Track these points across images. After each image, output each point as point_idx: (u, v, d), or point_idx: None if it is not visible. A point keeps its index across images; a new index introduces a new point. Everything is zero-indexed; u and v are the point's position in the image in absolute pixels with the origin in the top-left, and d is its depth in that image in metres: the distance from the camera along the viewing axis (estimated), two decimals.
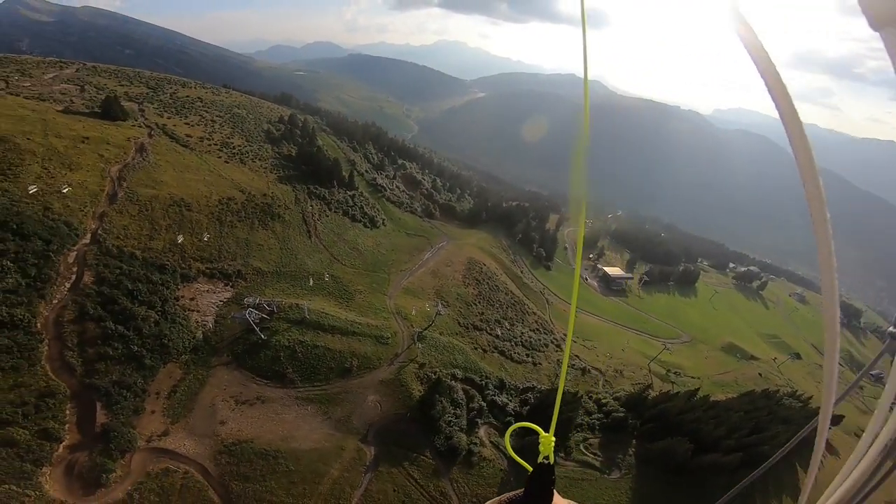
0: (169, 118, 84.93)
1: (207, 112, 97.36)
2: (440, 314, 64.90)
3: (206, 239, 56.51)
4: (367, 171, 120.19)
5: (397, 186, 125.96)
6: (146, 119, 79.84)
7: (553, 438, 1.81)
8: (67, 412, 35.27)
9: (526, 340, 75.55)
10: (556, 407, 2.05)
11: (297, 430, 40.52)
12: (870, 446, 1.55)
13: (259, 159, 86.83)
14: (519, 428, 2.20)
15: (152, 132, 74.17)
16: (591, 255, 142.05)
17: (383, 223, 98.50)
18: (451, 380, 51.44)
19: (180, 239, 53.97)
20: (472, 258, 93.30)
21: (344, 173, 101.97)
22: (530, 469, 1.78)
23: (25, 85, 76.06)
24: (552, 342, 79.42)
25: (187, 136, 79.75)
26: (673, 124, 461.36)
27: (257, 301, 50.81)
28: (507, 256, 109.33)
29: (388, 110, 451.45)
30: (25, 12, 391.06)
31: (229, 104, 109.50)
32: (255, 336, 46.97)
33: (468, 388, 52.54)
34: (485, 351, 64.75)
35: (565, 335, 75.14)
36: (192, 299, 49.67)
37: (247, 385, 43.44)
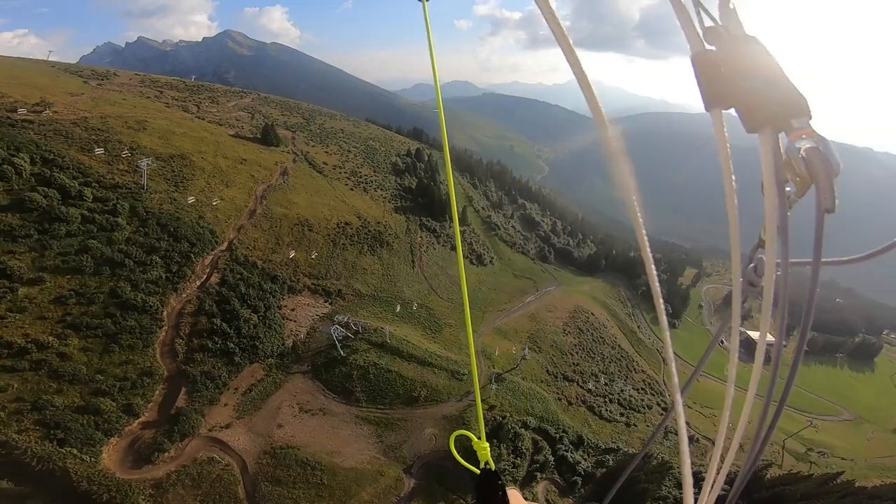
0: (313, 146, 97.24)
1: (346, 142, 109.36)
2: (525, 358, 63.27)
3: (314, 256, 62.31)
4: (483, 209, 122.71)
5: (513, 226, 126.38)
6: (295, 146, 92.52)
7: (486, 445, 2.01)
8: (157, 392, 40.69)
9: (625, 399, 70.29)
10: (479, 414, 2.26)
11: (345, 447, 41.66)
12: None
13: (381, 189, 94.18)
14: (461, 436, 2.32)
15: (296, 158, 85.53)
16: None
17: (491, 261, 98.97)
18: (519, 427, 49.35)
19: (292, 254, 60.42)
20: (579, 306, 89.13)
21: (458, 208, 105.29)
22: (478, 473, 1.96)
23: (212, 111, 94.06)
24: (658, 404, 73.11)
25: (323, 163, 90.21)
26: (864, 169, 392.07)
27: (346, 320, 54.08)
28: (622, 308, 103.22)
29: (519, 150, 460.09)
30: (232, 45, 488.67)
31: (366, 136, 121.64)
32: (336, 352, 50.06)
33: (539, 438, 50.13)
34: (570, 403, 61.40)
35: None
36: (292, 310, 54.83)
37: (315, 395, 46.14)
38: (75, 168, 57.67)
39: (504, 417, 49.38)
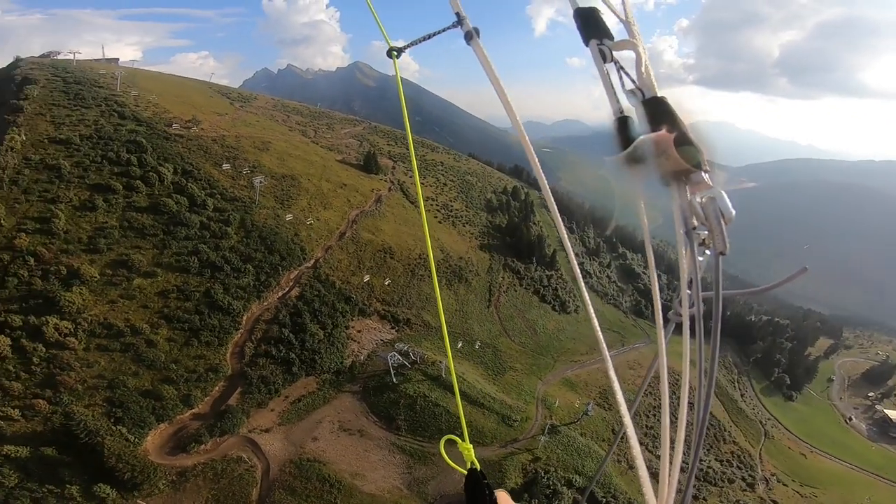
0: (410, 177, 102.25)
1: (443, 175, 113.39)
2: (588, 414, 59.46)
3: (387, 283, 64.73)
4: (576, 255, 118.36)
5: (608, 276, 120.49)
6: (393, 175, 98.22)
7: (470, 446, 2.05)
8: (216, 388, 44.68)
9: (700, 470, 61.57)
10: (461, 416, 2.39)
11: (371, 471, 42.08)
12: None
13: (469, 224, 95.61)
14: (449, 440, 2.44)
15: (392, 187, 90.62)
16: (870, 394, 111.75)
17: (575, 310, 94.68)
18: (562, 484, 46.40)
19: (367, 278, 63.62)
20: (668, 367, 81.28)
21: (547, 251, 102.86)
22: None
23: (326, 136, 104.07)
24: (744, 478, 66.19)
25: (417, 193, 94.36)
26: None
27: (406, 348, 55.22)
28: (726, 375, 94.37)
29: (629, 196, 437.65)
30: (360, 76, 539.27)
31: (465, 171, 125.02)
32: (389, 378, 51.24)
33: (580, 499, 45.89)
34: (630, 467, 55.20)
35: (772, 474, 70.52)
36: (358, 331, 57.54)
37: (358, 416, 47.54)
38: (206, 180, 67.17)
39: (546, 472, 47.02)
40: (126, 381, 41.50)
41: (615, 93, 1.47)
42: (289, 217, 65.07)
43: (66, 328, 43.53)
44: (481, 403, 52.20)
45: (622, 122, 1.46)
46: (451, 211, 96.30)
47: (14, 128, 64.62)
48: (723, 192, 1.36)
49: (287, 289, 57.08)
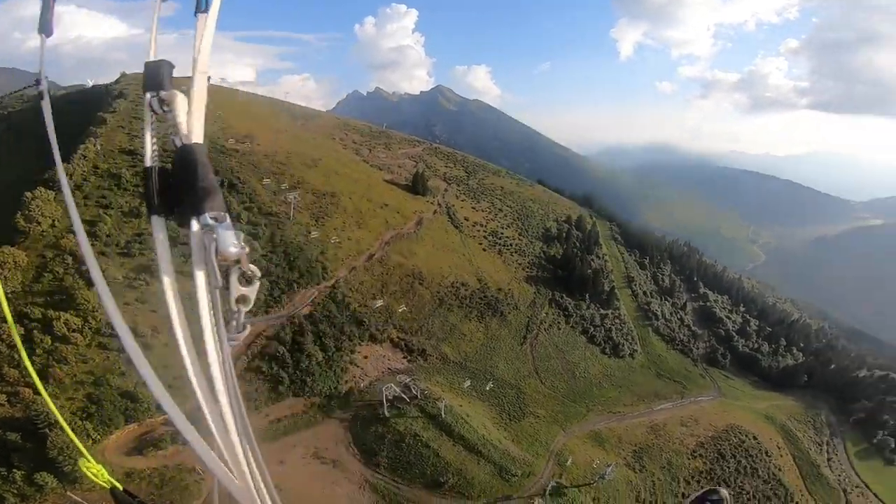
0: (462, 200, 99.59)
1: (500, 200, 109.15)
2: (605, 478, 50.89)
3: (400, 310, 61.48)
4: (644, 293, 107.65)
5: (680, 318, 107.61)
6: (443, 198, 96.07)
7: (99, 466, 1.94)
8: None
9: None
10: (67, 429, 2.33)
11: None
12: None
13: (519, 254, 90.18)
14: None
15: (437, 210, 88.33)
16: None
17: (631, 354, 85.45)
18: None
19: (379, 303, 60.83)
20: (735, 426, 71.37)
21: (604, 287, 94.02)
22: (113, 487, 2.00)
23: (381, 156, 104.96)
24: None
25: (465, 218, 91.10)
26: None
27: (407, 381, 51.89)
28: (811, 436, 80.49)
29: (728, 232, 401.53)
30: (442, 100, 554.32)
31: (526, 197, 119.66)
32: (381, 410, 48.05)
33: None
34: None
35: None
36: (365, 357, 55.20)
37: (338, 446, 44.95)
38: (247, 194, 69.43)
39: None
40: (111, 381, 42.45)
41: (152, 143, 1.59)
42: (314, 234, 64.82)
43: (76, 324, 45.60)
44: (478, 451, 47.28)
45: (149, 172, 1.56)
46: (500, 238, 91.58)
47: (92, 138, 71.67)
48: (225, 232, 1.40)
49: (299, 307, 56.14)
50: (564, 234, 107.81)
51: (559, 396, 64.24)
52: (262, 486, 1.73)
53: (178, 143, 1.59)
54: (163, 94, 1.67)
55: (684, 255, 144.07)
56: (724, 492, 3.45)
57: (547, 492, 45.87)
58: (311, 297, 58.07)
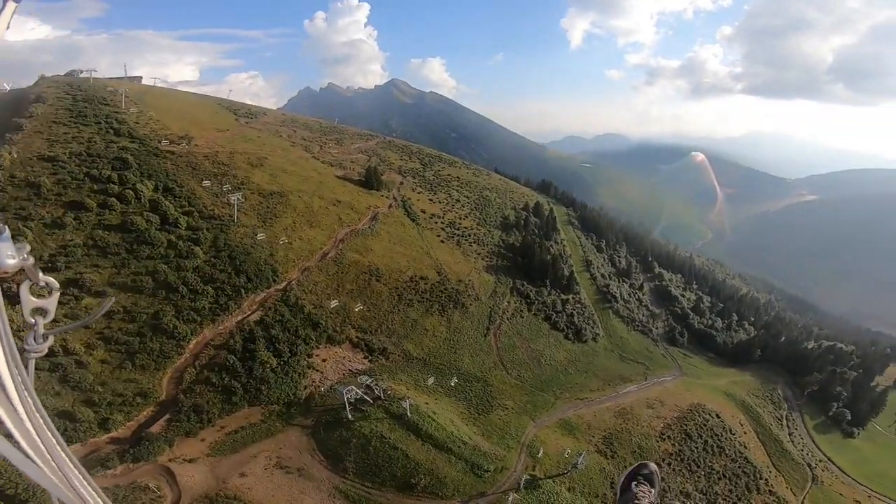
0: (419, 193, 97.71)
1: (458, 191, 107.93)
2: (578, 467, 50.68)
3: (357, 309, 59.49)
4: (602, 276, 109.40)
5: (638, 299, 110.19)
6: (399, 191, 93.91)
7: None
8: (143, 413, 42.22)
9: None
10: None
11: None
12: None
13: (478, 243, 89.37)
14: None
15: (393, 204, 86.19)
16: None
17: (594, 338, 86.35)
18: None
19: (334, 304, 58.61)
20: (699, 404, 72.81)
21: (564, 273, 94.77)
22: None
23: (332, 152, 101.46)
24: None
25: (421, 210, 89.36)
26: None
27: (369, 381, 50.16)
28: (770, 411, 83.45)
29: (675, 211, 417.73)
30: (397, 94, 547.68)
31: (483, 186, 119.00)
32: (344, 414, 46.29)
33: None
34: None
35: None
36: (323, 360, 52.83)
37: (301, 454, 42.93)
38: (186, 198, 65.03)
39: None
40: (43, 401, 38.36)
41: None
42: (261, 236, 61.55)
43: None
44: (448, 448, 45.77)
45: None
46: (459, 229, 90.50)
47: (7, 146, 65.21)
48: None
49: (248, 312, 53.13)
50: (523, 222, 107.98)
51: (526, 386, 63.79)
52: (70, 474, 1.70)
53: None
54: None
55: (638, 236, 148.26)
56: (653, 465, 3.66)
57: (521, 485, 45.03)
58: (262, 302, 55.05)
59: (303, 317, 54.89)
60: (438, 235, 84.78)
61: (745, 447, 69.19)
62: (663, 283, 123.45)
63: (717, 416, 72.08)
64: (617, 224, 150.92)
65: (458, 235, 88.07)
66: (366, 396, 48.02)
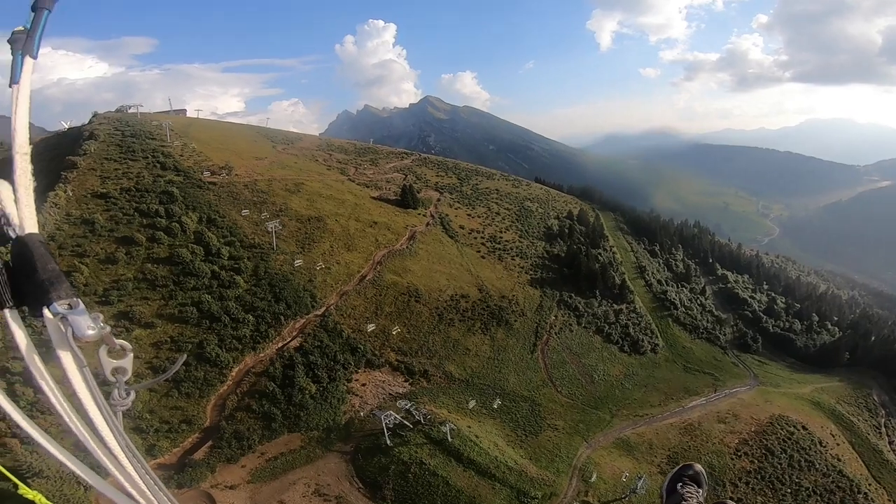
0: (457, 209, 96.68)
1: (497, 204, 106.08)
2: (637, 492, 46.85)
3: (395, 332, 58.66)
4: (658, 282, 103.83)
5: (701, 304, 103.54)
6: (436, 208, 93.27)
7: (27, 490, 1.85)
8: (188, 440, 43.10)
9: None
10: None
11: None
12: None
13: (521, 257, 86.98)
14: None
15: (430, 222, 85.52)
16: None
17: (653, 349, 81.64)
18: None
19: (371, 327, 57.92)
20: (780, 416, 66.30)
21: (616, 281, 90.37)
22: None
23: (367, 173, 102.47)
24: None
25: (460, 227, 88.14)
26: None
27: (409, 405, 49.35)
28: (866, 419, 75.01)
29: (737, 208, 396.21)
30: (431, 110, 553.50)
31: (524, 197, 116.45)
32: (383, 439, 45.56)
33: None
34: None
35: None
36: (363, 385, 52.49)
37: (340, 480, 42.64)
38: (228, 228, 67.02)
39: None
40: None
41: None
42: (298, 262, 62.20)
43: None
44: (492, 474, 43.89)
45: None
46: (499, 243, 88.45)
47: (62, 184, 69.65)
48: (78, 318, 1.50)
49: (288, 339, 53.64)
50: (567, 231, 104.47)
51: (578, 404, 60.65)
52: None
53: (13, 235, 1.57)
54: None
55: (695, 237, 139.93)
56: (699, 466, 3.62)
57: None
58: (302, 328, 55.39)
59: (342, 341, 54.76)
60: (479, 251, 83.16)
61: (839, 460, 62.48)
62: (728, 285, 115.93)
63: (804, 428, 65.49)
64: (671, 226, 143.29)
65: (500, 250, 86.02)
66: (405, 421, 47.13)
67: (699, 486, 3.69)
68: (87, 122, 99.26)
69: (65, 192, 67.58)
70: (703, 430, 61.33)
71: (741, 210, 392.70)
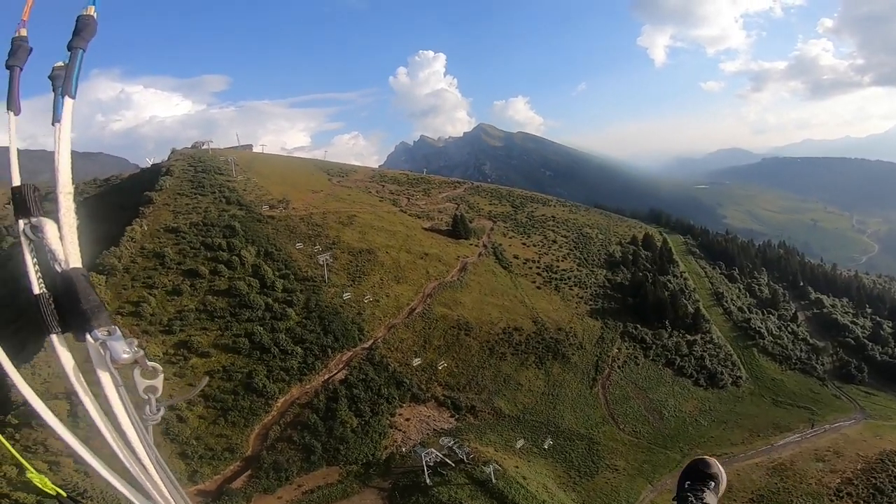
0: (510, 238, 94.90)
1: (554, 231, 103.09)
2: None
3: (441, 367, 57.17)
4: (739, 310, 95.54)
5: (791, 332, 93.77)
6: (489, 238, 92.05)
7: (42, 477, 1.98)
8: (230, 468, 44.03)
9: None
10: (6, 444, 2.28)
11: None
12: None
13: (580, 286, 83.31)
14: None
15: (483, 252, 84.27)
16: None
17: (734, 382, 74.87)
18: None
19: (417, 361, 56.79)
20: (893, 451, 57.54)
21: (688, 310, 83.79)
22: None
23: (419, 203, 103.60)
24: None
25: (514, 256, 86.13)
26: None
27: (451, 443, 47.60)
28: None
29: (827, 224, 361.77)
30: (486, 138, 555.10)
31: (582, 223, 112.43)
32: (424, 477, 44.07)
33: None
34: None
35: None
36: (407, 419, 51.64)
37: None
38: (283, 261, 69.58)
39: None
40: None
41: (34, 270, 1.69)
42: (347, 296, 62.94)
43: None
44: None
45: (38, 300, 1.67)
46: (556, 272, 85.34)
47: (138, 219, 75.64)
48: (115, 343, 1.63)
49: (334, 371, 54.01)
50: (631, 257, 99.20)
51: (643, 443, 56.21)
52: None
53: (59, 269, 1.70)
54: (33, 220, 1.75)
55: (781, 258, 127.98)
56: (713, 460, 3.51)
57: None
58: (347, 361, 55.56)
59: (387, 375, 54.39)
60: (534, 281, 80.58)
61: None
62: (824, 310, 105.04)
63: None
64: (752, 247, 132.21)
65: (557, 279, 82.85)
66: (447, 459, 45.35)
67: (715, 481, 3.33)
68: (166, 158, 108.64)
69: (141, 226, 73.36)
70: (796, 470, 54.63)
71: (832, 227, 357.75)
